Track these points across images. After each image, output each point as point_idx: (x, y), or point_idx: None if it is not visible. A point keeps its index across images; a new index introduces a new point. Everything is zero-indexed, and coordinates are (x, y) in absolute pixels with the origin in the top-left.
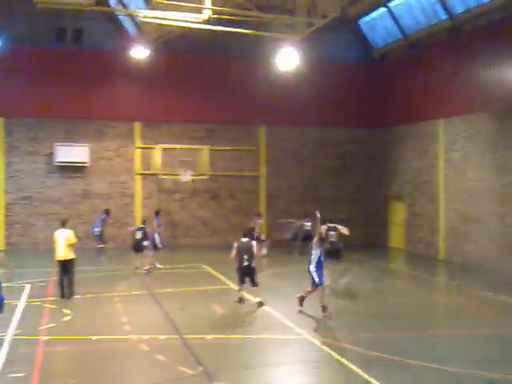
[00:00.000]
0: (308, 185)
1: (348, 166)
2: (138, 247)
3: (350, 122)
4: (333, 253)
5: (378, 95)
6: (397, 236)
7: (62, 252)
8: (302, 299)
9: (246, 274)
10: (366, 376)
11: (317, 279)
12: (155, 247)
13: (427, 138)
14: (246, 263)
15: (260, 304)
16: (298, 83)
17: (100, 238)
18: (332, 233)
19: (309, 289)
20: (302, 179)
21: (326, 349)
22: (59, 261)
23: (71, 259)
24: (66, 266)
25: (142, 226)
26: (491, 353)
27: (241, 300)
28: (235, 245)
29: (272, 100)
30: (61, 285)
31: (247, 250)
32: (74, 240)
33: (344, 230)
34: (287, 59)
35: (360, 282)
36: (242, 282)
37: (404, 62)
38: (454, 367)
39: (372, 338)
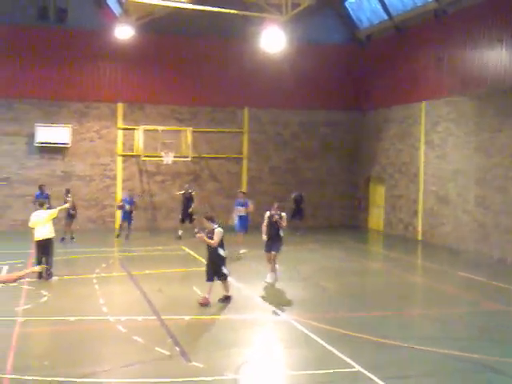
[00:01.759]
0: (290, 167)
1: (330, 149)
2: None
3: (332, 104)
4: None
5: (362, 77)
6: (376, 218)
7: (41, 232)
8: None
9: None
10: (340, 355)
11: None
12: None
13: (410, 120)
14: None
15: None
16: (282, 65)
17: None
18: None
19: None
20: (283, 161)
21: (303, 329)
22: (38, 241)
23: (50, 239)
24: (44, 247)
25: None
26: (468, 332)
27: None
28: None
29: (256, 82)
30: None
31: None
32: (54, 215)
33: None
34: (272, 40)
35: (337, 262)
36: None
37: (388, 44)
38: (429, 346)
39: (348, 317)
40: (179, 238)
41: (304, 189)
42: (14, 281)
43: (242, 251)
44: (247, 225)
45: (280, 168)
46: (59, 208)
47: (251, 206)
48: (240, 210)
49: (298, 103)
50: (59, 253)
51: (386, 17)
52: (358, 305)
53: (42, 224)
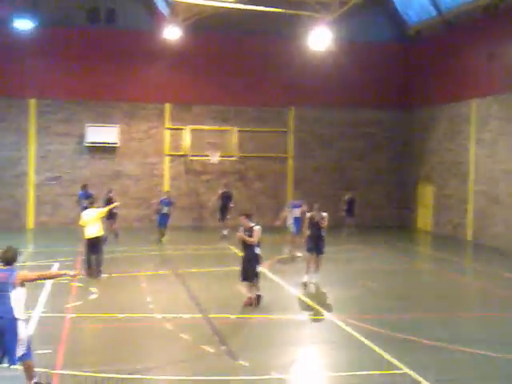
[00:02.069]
0: (336, 167)
1: (377, 148)
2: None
3: (379, 102)
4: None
5: (410, 75)
6: (425, 218)
7: (91, 230)
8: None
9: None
10: (388, 356)
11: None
12: None
13: (459, 118)
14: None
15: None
16: (328, 64)
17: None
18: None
19: None
20: (329, 161)
21: (349, 329)
22: (88, 239)
23: (99, 237)
24: (94, 245)
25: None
26: None
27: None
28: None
29: (301, 81)
30: (88, 263)
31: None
32: (103, 213)
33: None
34: (319, 39)
35: (384, 263)
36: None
37: (437, 41)
38: (479, 349)
39: (396, 318)
40: (224, 237)
41: (351, 189)
42: (52, 278)
43: (298, 254)
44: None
45: (326, 168)
46: (108, 207)
47: (303, 208)
48: (296, 213)
49: (344, 102)
50: (107, 251)
51: (435, 13)
52: (405, 306)
53: (93, 222)
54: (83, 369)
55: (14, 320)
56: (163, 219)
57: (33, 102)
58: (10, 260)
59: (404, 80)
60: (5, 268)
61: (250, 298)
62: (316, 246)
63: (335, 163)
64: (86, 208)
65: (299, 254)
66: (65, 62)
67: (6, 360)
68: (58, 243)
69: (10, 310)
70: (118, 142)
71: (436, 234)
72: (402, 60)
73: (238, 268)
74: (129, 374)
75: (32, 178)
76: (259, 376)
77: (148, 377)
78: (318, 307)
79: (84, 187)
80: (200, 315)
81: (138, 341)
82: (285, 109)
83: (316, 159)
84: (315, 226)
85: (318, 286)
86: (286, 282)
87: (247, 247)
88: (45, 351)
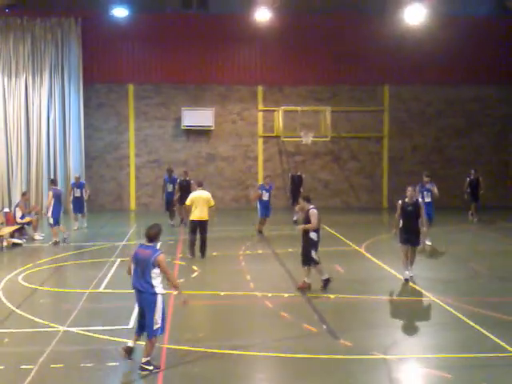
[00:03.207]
0: (433, 146)
1: (477, 126)
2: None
3: (480, 78)
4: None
5: (510, 49)
6: None
7: (199, 212)
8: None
9: None
10: (495, 338)
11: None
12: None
13: None
14: None
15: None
16: (424, 40)
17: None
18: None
19: None
20: (426, 140)
21: (454, 311)
22: (194, 220)
23: (206, 220)
24: (201, 227)
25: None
26: None
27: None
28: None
29: (396, 58)
30: (193, 244)
31: None
32: (212, 202)
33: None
34: (414, 15)
35: (489, 244)
36: None
37: None
38: None
39: (500, 301)
40: (295, 222)
41: (450, 168)
42: (171, 281)
43: (428, 243)
44: (432, 214)
45: (424, 147)
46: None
47: (435, 190)
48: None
49: (442, 78)
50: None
51: None
52: (511, 288)
53: (201, 205)
54: (188, 344)
55: (154, 295)
56: (264, 207)
57: (131, 87)
58: (153, 237)
59: (505, 54)
60: (148, 245)
61: (305, 283)
62: (410, 237)
63: (434, 142)
64: (170, 194)
65: (428, 243)
66: (160, 47)
67: (144, 332)
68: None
69: (151, 285)
70: (212, 124)
71: None
72: (502, 34)
73: (334, 248)
74: (233, 349)
75: (132, 161)
76: (362, 355)
77: (251, 352)
78: (420, 289)
79: (168, 171)
80: (299, 294)
81: (240, 318)
82: (380, 87)
83: (413, 138)
84: (410, 214)
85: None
86: (388, 265)
87: (305, 232)
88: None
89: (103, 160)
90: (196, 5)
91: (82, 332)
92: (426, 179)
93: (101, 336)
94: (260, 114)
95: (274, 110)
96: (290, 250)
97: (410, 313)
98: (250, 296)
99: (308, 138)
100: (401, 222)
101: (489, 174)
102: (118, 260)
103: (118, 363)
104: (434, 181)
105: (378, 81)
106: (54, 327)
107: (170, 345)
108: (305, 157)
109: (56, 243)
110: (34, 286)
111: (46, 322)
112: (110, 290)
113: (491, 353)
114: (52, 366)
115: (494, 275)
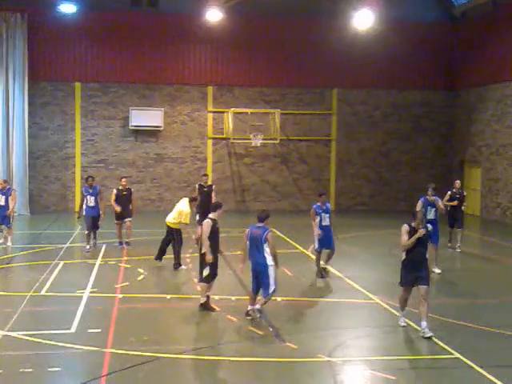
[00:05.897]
0: (380, 150)
1: (422, 130)
2: None
3: (425, 84)
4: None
5: (456, 56)
6: (472, 202)
7: (169, 218)
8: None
9: None
10: (438, 341)
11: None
12: None
13: (508, 99)
14: None
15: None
16: (372, 45)
17: None
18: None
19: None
20: (374, 144)
21: (397, 314)
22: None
23: (177, 229)
24: (170, 233)
25: None
26: None
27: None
28: None
29: (344, 62)
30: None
31: None
32: (184, 220)
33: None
34: (362, 20)
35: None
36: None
37: (485, 20)
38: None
39: (444, 303)
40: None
41: (396, 172)
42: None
43: (437, 271)
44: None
45: (370, 150)
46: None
47: (440, 205)
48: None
49: (389, 83)
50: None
51: None
52: (455, 291)
53: (174, 211)
54: (133, 348)
55: (267, 266)
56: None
57: (78, 85)
58: (263, 218)
59: (451, 60)
60: (259, 226)
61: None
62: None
63: (380, 146)
64: (93, 208)
65: (438, 271)
66: (108, 45)
67: (260, 293)
68: (103, 225)
69: (264, 258)
70: (161, 125)
71: (485, 219)
72: (448, 40)
73: (282, 251)
74: (179, 354)
75: (78, 161)
76: (307, 358)
77: (197, 357)
78: (364, 291)
79: (88, 180)
80: (247, 297)
81: (185, 322)
82: (328, 91)
83: (360, 142)
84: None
85: (370, 272)
86: (331, 266)
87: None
88: (95, 330)
89: (48, 159)
90: (146, 3)
91: (22, 336)
92: (430, 192)
93: (42, 340)
94: (210, 116)
95: (223, 112)
96: (238, 252)
97: (356, 315)
98: (197, 299)
99: (257, 141)
100: (404, 254)
101: (432, 178)
102: (62, 262)
103: (59, 368)
104: (374, 185)
105: (326, 84)
106: None
107: (113, 349)
108: (254, 159)
109: None
110: None
111: None
112: (52, 294)
113: (436, 355)
114: None
115: (438, 279)
